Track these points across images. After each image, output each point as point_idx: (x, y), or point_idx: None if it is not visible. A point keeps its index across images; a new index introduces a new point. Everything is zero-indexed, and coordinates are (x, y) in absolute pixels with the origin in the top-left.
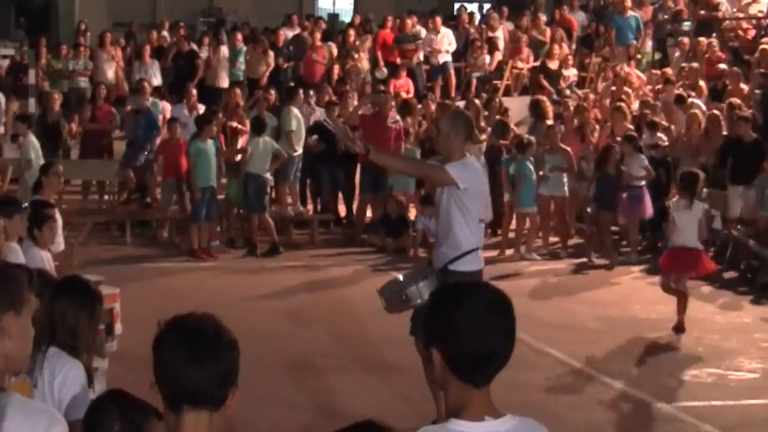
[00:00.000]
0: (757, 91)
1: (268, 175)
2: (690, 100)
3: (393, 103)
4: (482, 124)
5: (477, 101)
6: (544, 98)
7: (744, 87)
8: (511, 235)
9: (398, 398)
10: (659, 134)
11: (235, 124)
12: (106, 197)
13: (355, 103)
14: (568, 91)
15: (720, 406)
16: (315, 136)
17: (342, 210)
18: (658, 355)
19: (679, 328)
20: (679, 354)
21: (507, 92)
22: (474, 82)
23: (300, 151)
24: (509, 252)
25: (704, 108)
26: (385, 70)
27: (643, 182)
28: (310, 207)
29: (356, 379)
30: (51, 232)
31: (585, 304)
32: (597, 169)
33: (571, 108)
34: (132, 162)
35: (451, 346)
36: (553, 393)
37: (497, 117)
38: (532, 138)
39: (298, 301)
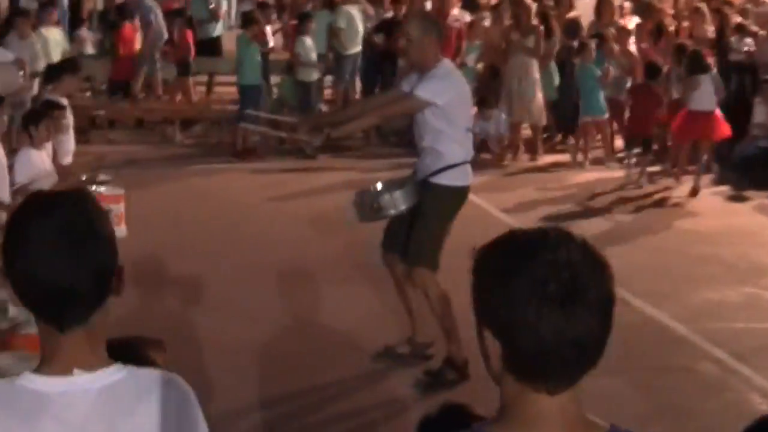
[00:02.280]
0: None
1: (315, 77)
2: None
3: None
4: (534, 22)
5: None
6: None
7: None
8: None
9: (386, 312)
10: (747, 39)
11: (294, 22)
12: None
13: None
14: None
15: (742, 329)
16: (380, 34)
17: None
18: (694, 271)
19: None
20: (718, 270)
21: None
22: None
23: (353, 50)
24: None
25: None
26: None
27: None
28: None
29: (351, 291)
30: (47, 131)
31: (631, 215)
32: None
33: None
34: None
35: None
36: None
37: (568, 15)
38: (590, 41)
39: (327, 205)
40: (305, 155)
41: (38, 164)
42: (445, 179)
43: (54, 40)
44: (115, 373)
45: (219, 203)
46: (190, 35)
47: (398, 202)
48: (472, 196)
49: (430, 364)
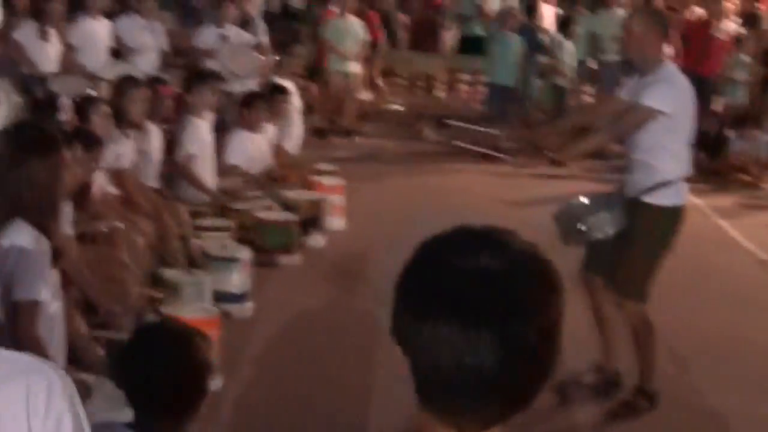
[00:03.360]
0: None
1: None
2: None
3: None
4: None
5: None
6: None
7: None
8: None
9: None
10: None
11: None
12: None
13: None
14: None
15: None
16: None
17: None
18: None
19: None
20: None
21: None
22: None
23: (614, 57)
24: None
25: None
26: None
27: None
28: None
29: None
30: (262, 115)
31: None
32: None
33: None
34: None
35: None
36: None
37: None
38: None
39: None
40: (553, 161)
41: (249, 147)
42: (657, 198)
43: (352, 29)
44: None
45: (450, 203)
46: (375, 17)
47: (606, 225)
48: (715, 218)
49: (619, 393)
